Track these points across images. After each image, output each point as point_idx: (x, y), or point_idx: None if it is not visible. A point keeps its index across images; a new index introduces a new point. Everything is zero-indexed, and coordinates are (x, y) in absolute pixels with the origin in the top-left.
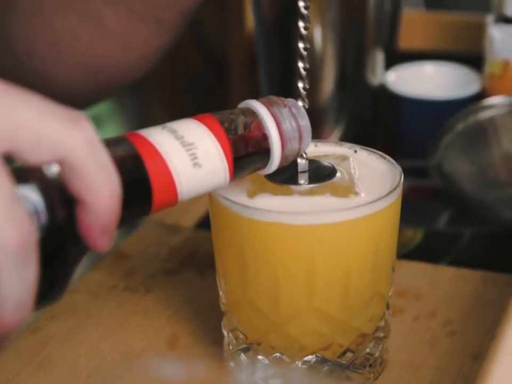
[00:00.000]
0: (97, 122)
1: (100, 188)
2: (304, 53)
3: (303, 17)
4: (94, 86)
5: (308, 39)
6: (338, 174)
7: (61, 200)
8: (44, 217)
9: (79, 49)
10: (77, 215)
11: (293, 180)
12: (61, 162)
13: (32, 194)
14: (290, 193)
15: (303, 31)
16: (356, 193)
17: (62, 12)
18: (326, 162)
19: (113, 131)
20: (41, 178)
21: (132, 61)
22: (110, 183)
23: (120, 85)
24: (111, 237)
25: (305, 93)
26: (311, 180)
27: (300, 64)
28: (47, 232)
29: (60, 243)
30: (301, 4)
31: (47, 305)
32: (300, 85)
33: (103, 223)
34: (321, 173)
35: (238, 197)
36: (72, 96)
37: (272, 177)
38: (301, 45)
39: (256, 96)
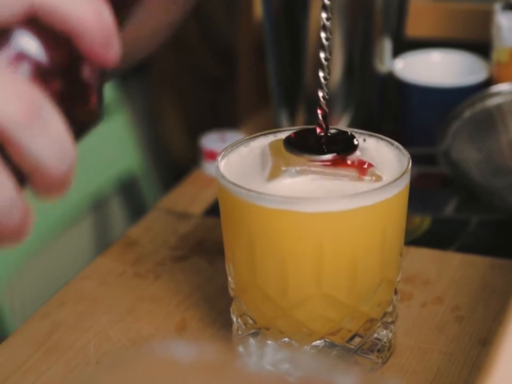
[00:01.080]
0: (104, 113)
1: (83, 14)
2: (326, 43)
3: (325, 8)
4: None
5: (330, 30)
6: (358, 151)
7: (55, 41)
8: (47, 63)
9: None
10: (77, 45)
11: (313, 150)
12: (34, 11)
13: (26, 43)
14: (310, 166)
15: (326, 22)
16: (378, 176)
17: None
18: (350, 133)
19: (120, 122)
20: (26, 29)
21: (143, 36)
22: (90, 4)
23: (130, 61)
24: (117, 48)
25: (325, 82)
26: (331, 150)
27: (322, 55)
28: (60, 74)
29: (73, 78)
30: None
31: (93, 129)
32: (321, 74)
33: (103, 40)
34: (342, 144)
35: (254, 181)
36: None
37: (292, 148)
38: (323, 35)
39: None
